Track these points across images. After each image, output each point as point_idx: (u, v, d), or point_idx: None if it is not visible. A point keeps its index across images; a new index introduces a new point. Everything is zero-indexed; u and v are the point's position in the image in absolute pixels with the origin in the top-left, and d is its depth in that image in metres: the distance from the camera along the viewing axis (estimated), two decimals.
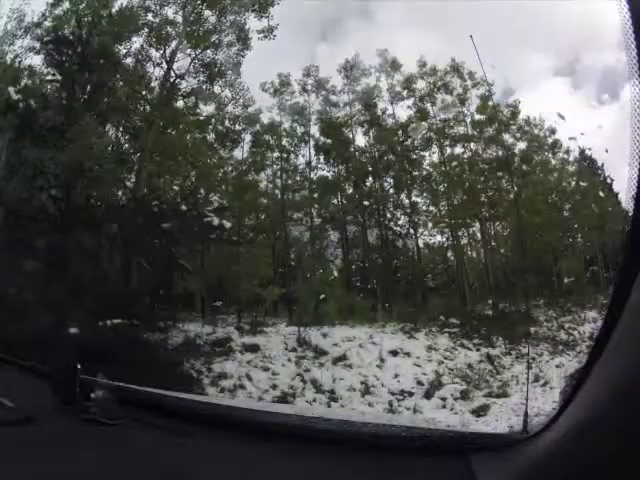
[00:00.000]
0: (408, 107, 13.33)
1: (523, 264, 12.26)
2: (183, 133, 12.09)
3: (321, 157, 13.60)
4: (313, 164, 13.54)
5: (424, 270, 14.08)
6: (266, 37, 11.45)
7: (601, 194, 14.02)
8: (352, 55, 13.04)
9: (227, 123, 12.64)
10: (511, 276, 12.72)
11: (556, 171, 14.62)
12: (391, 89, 13.32)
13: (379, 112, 13.43)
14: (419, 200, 13.52)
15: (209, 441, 1.48)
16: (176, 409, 1.70)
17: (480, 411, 8.01)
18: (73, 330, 7.74)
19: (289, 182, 13.62)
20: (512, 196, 12.95)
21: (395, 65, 13.22)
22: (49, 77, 10.99)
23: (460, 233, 13.76)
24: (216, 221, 10.56)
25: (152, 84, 11.76)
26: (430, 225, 13.55)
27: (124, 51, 11.29)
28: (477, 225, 13.82)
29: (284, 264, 13.22)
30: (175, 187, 12.05)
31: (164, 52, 11.51)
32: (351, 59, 13.08)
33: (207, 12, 11.54)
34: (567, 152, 14.26)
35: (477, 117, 13.36)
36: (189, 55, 11.59)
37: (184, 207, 10.80)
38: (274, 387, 8.50)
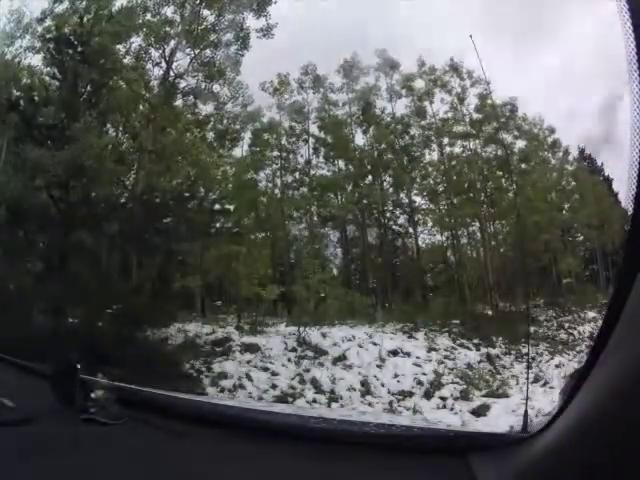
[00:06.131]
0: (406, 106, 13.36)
1: (523, 264, 12.25)
2: (182, 132, 12.08)
3: (320, 156, 13.61)
4: (313, 163, 13.56)
5: (424, 269, 14.07)
6: (265, 36, 11.47)
7: (601, 194, 14.03)
8: (351, 54, 13.07)
9: (226, 122, 12.65)
10: (511, 276, 12.71)
11: (555, 170, 14.62)
12: (390, 88, 13.33)
13: (378, 111, 13.44)
14: (419, 199, 13.55)
15: (209, 441, 1.47)
16: (176, 409, 1.70)
17: (480, 411, 7.98)
18: (73, 330, 7.75)
19: (289, 180, 13.64)
20: (511, 195, 12.95)
21: (394, 64, 13.21)
22: (49, 76, 10.97)
23: (460, 232, 13.75)
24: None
25: (151, 83, 11.79)
26: (430, 224, 13.55)
27: (124, 50, 11.31)
28: (477, 224, 13.82)
29: (284, 263, 13.21)
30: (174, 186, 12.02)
31: (163, 51, 11.54)
32: (349, 58, 13.10)
33: (206, 11, 11.56)
34: (566, 152, 14.29)
35: (475, 115, 13.36)
36: (188, 54, 11.62)
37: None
38: (274, 387, 8.48)
